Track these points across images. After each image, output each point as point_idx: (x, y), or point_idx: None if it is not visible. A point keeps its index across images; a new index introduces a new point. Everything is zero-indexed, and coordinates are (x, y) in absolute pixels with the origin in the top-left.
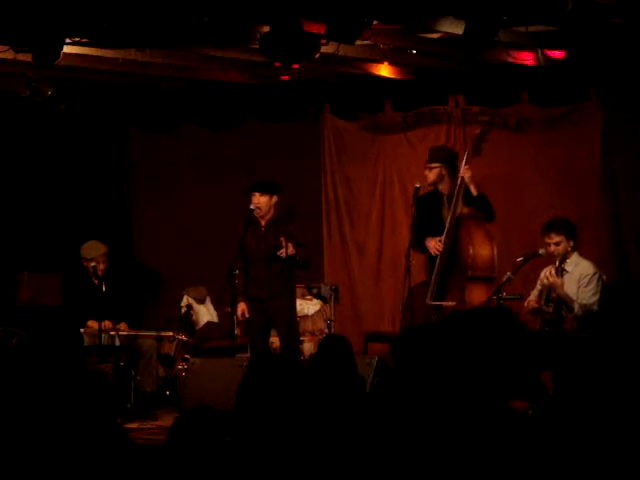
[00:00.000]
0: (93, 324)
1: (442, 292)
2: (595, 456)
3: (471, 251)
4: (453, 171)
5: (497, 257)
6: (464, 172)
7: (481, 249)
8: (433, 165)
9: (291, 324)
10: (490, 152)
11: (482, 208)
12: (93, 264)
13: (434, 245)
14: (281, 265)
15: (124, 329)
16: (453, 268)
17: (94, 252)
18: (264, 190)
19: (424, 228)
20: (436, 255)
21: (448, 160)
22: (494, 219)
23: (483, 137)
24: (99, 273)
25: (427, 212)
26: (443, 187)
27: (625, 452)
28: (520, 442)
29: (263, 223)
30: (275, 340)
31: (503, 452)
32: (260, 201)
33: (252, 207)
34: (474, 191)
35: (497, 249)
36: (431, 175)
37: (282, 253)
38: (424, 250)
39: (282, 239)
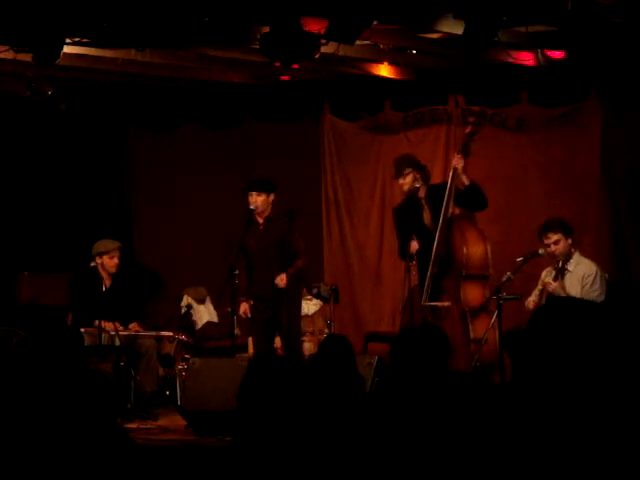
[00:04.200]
0: (105, 325)
1: (437, 293)
2: (596, 456)
3: (465, 250)
4: (424, 175)
5: (491, 255)
6: (457, 162)
7: (475, 248)
8: (405, 172)
9: (293, 323)
10: (490, 152)
11: (474, 197)
12: (107, 259)
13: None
14: (283, 264)
15: (137, 329)
16: (447, 269)
17: (110, 245)
18: (261, 189)
19: (407, 237)
20: (414, 252)
21: (416, 165)
22: (487, 207)
23: (470, 139)
24: (113, 269)
25: (407, 221)
26: (420, 192)
27: (625, 452)
28: (520, 442)
29: (261, 221)
30: (277, 340)
31: (503, 452)
32: (257, 200)
33: (252, 207)
34: (466, 181)
35: (496, 249)
36: (406, 182)
37: (278, 283)
38: (411, 259)
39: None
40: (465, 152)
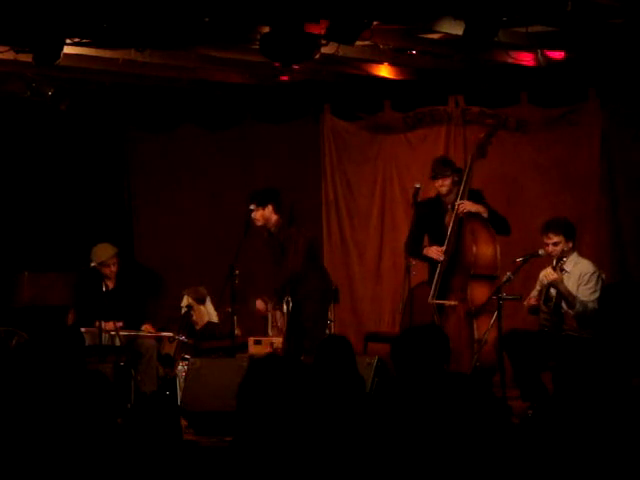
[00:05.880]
0: (107, 325)
1: (445, 291)
2: (595, 456)
3: (474, 250)
4: (460, 179)
5: (500, 257)
6: (463, 207)
7: (484, 248)
8: (447, 174)
9: (305, 323)
10: (490, 152)
11: (497, 224)
12: (104, 267)
13: (435, 252)
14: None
15: (150, 330)
16: (456, 267)
17: (104, 256)
18: (252, 204)
19: (424, 235)
20: (439, 261)
21: (456, 168)
22: (510, 233)
23: (488, 140)
24: (111, 275)
25: (428, 219)
26: (450, 195)
27: (625, 452)
28: (520, 442)
29: (268, 232)
30: (277, 340)
31: (503, 452)
32: (256, 215)
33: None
34: (485, 215)
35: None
36: (445, 184)
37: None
38: (422, 258)
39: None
40: (481, 154)
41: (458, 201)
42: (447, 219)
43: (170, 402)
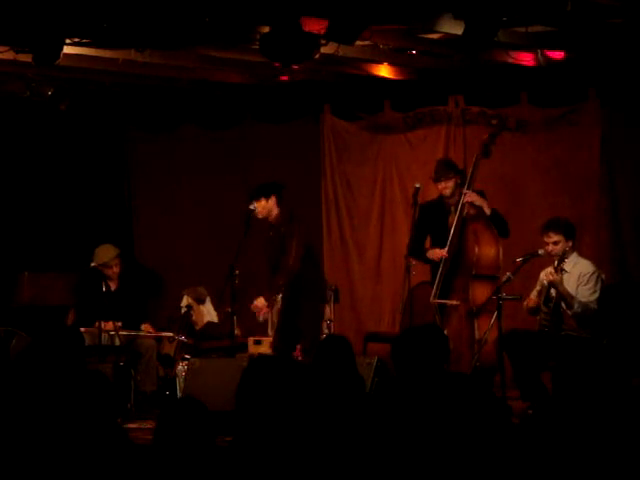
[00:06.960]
0: (107, 325)
1: (447, 291)
2: (595, 456)
3: (476, 250)
4: (463, 181)
5: (502, 257)
6: (469, 197)
7: (487, 249)
8: (450, 176)
9: (298, 322)
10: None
11: (497, 224)
12: (106, 269)
13: (438, 254)
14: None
15: (150, 330)
16: (458, 267)
17: (106, 257)
18: (256, 196)
19: (426, 236)
20: (440, 259)
21: (459, 171)
22: (508, 236)
23: (493, 140)
24: (113, 276)
25: (431, 220)
26: (453, 197)
27: (625, 452)
28: (520, 442)
29: (269, 225)
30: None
31: (503, 452)
32: (257, 207)
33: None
34: (487, 210)
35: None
36: (448, 187)
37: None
38: (424, 259)
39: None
40: (486, 154)
41: (465, 190)
42: (450, 220)
43: (200, 406)
